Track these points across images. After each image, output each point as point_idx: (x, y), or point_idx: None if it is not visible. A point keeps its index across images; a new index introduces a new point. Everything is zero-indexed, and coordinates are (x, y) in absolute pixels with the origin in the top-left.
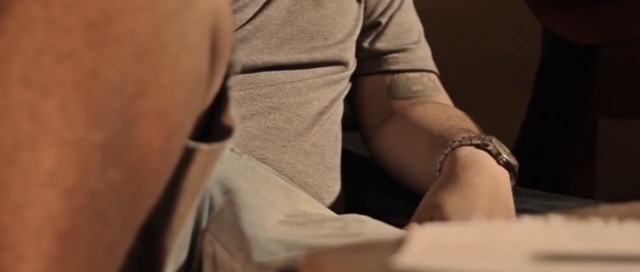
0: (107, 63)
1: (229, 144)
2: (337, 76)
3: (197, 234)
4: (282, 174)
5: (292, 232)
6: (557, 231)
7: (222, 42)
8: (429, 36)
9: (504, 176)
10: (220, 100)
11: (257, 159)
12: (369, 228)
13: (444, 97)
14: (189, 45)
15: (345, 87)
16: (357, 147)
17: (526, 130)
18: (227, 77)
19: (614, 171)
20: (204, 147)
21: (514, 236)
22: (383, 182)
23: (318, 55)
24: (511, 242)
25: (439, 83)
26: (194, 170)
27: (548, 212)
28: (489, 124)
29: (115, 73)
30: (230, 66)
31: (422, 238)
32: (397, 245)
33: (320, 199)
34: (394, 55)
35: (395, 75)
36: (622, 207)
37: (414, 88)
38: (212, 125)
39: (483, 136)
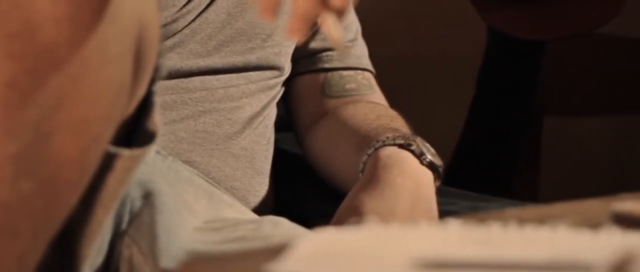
0: (26, 74)
1: (150, 149)
2: (271, 82)
3: (116, 238)
4: (209, 178)
5: (205, 239)
6: (452, 236)
7: (147, 51)
8: (371, 35)
9: (426, 176)
10: (145, 105)
11: (184, 161)
12: (283, 230)
13: (378, 96)
14: (111, 58)
15: (278, 92)
16: (295, 148)
17: (469, 130)
18: (152, 82)
19: (560, 169)
20: (125, 152)
21: (406, 241)
22: (317, 184)
23: (253, 59)
24: (400, 248)
25: (374, 82)
26: (113, 176)
27: (474, 214)
28: (434, 123)
29: (33, 85)
30: (156, 71)
31: (307, 245)
32: (281, 252)
33: (247, 203)
34: (328, 53)
35: (329, 74)
36: (531, 210)
37: (348, 86)
38: (135, 130)
39: (408, 136)
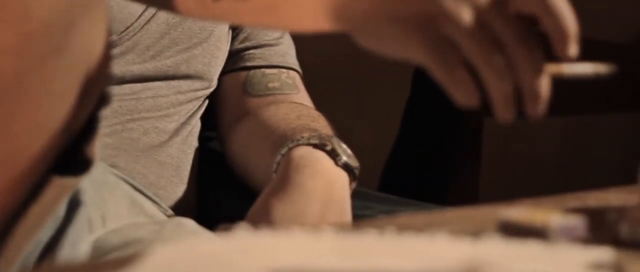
0: None
1: (83, 179)
2: (199, 93)
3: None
4: (133, 183)
5: (103, 245)
6: (323, 245)
7: (94, 86)
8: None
9: (341, 178)
10: (87, 130)
11: (108, 165)
12: (185, 232)
13: (302, 97)
14: (55, 93)
15: (204, 103)
16: None
17: (404, 132)
18: (98, 108)
19: (501, 171)
20: (56, 180)
21: (270, 251)
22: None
23: (183, 68)
24: (260, 258)
25: (299, 81)
26: (40, 203)
27: (388, 218)
28: (370, 125)
29: None
30: (102, 99)
31: (162, 255)
32: (134, 262)
33: (170, 210)
34: (252, 51)
35: (251, 72)
36: (421, 217)
37: (270, 85)
38: (72, 155)
39: (324, 136)
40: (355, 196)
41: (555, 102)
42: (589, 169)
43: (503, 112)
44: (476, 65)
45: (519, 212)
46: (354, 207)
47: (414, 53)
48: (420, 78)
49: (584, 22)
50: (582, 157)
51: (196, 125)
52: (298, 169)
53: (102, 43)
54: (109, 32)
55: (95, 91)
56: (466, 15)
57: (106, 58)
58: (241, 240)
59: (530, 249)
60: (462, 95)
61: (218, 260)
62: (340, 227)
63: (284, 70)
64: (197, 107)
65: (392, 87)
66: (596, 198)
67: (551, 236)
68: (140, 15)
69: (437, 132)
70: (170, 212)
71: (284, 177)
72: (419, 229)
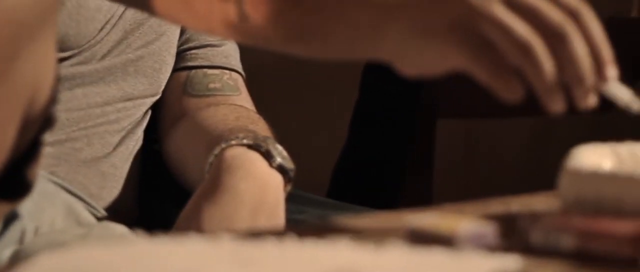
0: None
1: (20, 203)
2: (147, 100)
3: None
4: (72, 190)
5: (28, 247)
6: (220, 253)
7: (39, 109)
8: None
9: (274, 180)
10: (29, 153)
11: (48, 173)
12: (110, 236)
13: (243, 99)
14: None
15: (148, 112)
16: None
17: (353, 134)
18: (41, 131)
19: (454, 173)
20: None
21: (162, 259)
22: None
23: (132, 70)
24: (150, 266)
25: (241, 84)
26: None
27: (322, 222)
28: (318, 129)
29: None
30: (47, 122)
31: (45, 263)
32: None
33: (111, 217)
34: (194, 51)
35: (192, 71)
36: (333, 224)
37: (211, 85)
38: (11, 176)
39: (259, 137)
40: (291, 199)
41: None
42: (550, 170)
43: (552, 103)
44: (518, 63)
45: (428, 219)
46: (289, 211)
47: (456, 61)
48: (369, 79)
49: None
50: (544, 159)
51: (140, 136)
52: (230, 171)
53: (50, 69)
54: (58, 57)
55: (40, 116)
56: (502, 13)
57: (53, 83)
58: (136, 247)
59: (434, 256)
60: (511, 93)
61: (106, 268)
62: (239, 234)
63: (227, 71)
64: (142, 115)
65: (340, 89)
66: (521, 203)
67: (459, 244)
68: (102, 28)
69: (387, 135)
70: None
71: (215, 178)
72: (321, 235)
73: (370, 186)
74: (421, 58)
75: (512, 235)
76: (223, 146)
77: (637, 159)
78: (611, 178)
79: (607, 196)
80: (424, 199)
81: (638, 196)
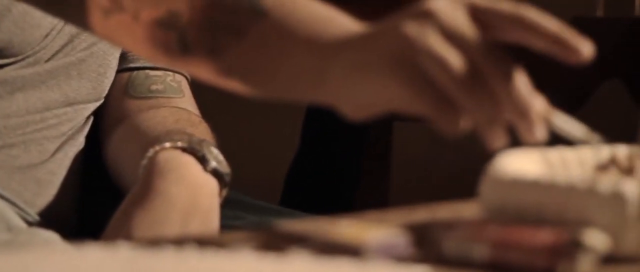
0: None
1: None
2: (89, 106)
3: None
4: (5, 196)
5: None
6: (112, 260)
7: None
8: None
9: (208, 185)
10: None
11: None
12: (36, 243)
13: (186, 101)
14: None
15: (90, 119)
16: None
17: (306, 138)
18: None
19: (414, 176)
20: None
21: (53, 266)
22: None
23: (75, 73)
24: None
25: (185, 86)
26: None
27: (255, 229)
28: (272, 133)
29: None
30: None
31: None
32: None
33: (45, 223)
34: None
35: (134, 73)
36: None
37: (153, 87)
38: None
39: (194, 140)
40: (228, 204)
41: None
42: None
43: (492, 140)
44: (456, 97)
45: (337, 227)
46: (225, 217)
47: (397, 96)
48: None
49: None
50: None
51: (81, 142)
52: (162, 174)
53: None
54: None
55: None
56: (438, 46)
57: None
58: (27, 256)
59: (336, 267)
60: (452, 128)
61: None
62: (137, 243)
63: (170, 73)
64: (84, 121)
65: None
66: (449, 210)
67: (368, 254)
68: (47, 34)
69: (341, 138)
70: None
71: (147, 182)
72: (221, 245)
73: (325, 191)
74: (363, 96)
75: (426, 245)
76: (157, 148)
77: (567, 165)
78: (533, 185)
79: (529, 204)
80: (380, 204)
81: (560, 204)
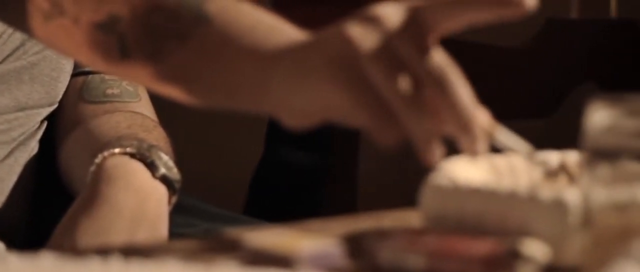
0: None
1: None
2: (43, 110)
3: None
4: None
5: None
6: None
7: None
8: None
9: (156, 192)
10: None
11: None
12: None
13: (143, 106)
14: None
15: (43, 124)
16: None
17: (270, 144)
18: None
19: (382, 181)
20: None
21: None
22: None
23: (27, 78)
24: None
25: (142, 90)
26: None
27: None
28: (235, 140)
29: None
30: None
31: None
32: None
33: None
34: None
35: (89, 76)
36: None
37: (109, 91)
38: None
39: (144, 146)
40: (181, 211)
41: None
42: None
43: (427, 154)
44: (396, 108)
45: (268, 237)
46: (177, 224)
47: (336, 101)
48: None
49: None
50: None
51: (34, 147)
52: (109, 181)
53: None
54: None
55: None
56: (385, 56)
57: None
58: None
59: None
60: (388, 139)
61: None
62: (61, 253)
63: None
64: (37, 126)
65: None
66: (394, 219)
67: (299, 264)
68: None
69: (306, 144)
70: None
71: (93, 189)
72: (146, 255)
73: (290, 198)
74: (303, 102)
75: (362, 255)
76: (105, 154)
77: (515, 172)
78: (473, 193)
79: (469, 212)
80: (347, 210)
81: (501, 213)
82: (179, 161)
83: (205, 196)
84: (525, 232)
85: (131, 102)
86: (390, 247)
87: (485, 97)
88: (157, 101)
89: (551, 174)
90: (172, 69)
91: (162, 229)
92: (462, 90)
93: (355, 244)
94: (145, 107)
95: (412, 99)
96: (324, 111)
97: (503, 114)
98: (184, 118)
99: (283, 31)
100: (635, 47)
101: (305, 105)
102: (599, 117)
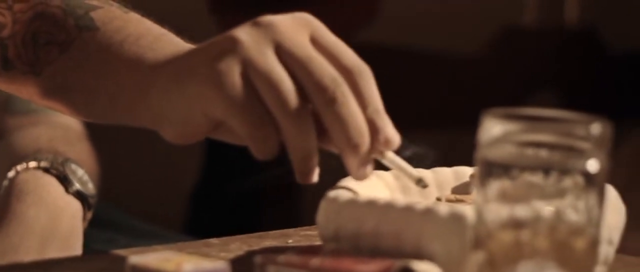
0: None
1: None
2: None
3: None
4: None
5: None
6: None
7: None
8: None
9: (70, 208)
10: None
11: None
12: None
13: (71, 118)
14: None
15: None
16: None
17: (210, 160)
18: None
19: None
20: None
21: None
22: None
23: None
24: None
25: None
26: None
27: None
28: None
29: None
30: None
31: None
32: None
33: None
34: None
35: None
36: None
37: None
38: None
39: (58, 159)
40: (102, 226)
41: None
42: None
43: (303, 175)
44: (279, 121)
45: (153, 257)
46: (99, 240)
47: (214, 108)
48: None
49: (433, 33)
50: None
51: None
52: (20, 197)
53: None
54: None
55: None
56: (271, 64)
57: None
58: None
59: None
60: (265, 153)
61: None
62: None
63: None
64: None
65: None
66: (300, 236)
67: None
68: None
69: (247, 157)
70: None
71: (4, 204)
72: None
73: (231, 213)
74: (183, 107)
75: None
76: (18, 168)
77: (407, 188)
78: (369, 207)
79: (365, 229)
80: (290, 223)
81: (396, 229)
82: (116, 176)
83: (145, 211)
84: (421, 249)
85: (57, 114)
86: (277, 266)
87: (435, 105)
88: None
89: (460, 188)
90: (52, 79)
91: (75, 245)
92: (353, 107)
93: (247, 263)
94: (73, 120)
95: (295, 111)
96: (205, 119)
97: (455, 123)
98: (123, 131)
99: (170, 41)
100: (593, 56)
101: (184, 111)
102: (493, 129)
